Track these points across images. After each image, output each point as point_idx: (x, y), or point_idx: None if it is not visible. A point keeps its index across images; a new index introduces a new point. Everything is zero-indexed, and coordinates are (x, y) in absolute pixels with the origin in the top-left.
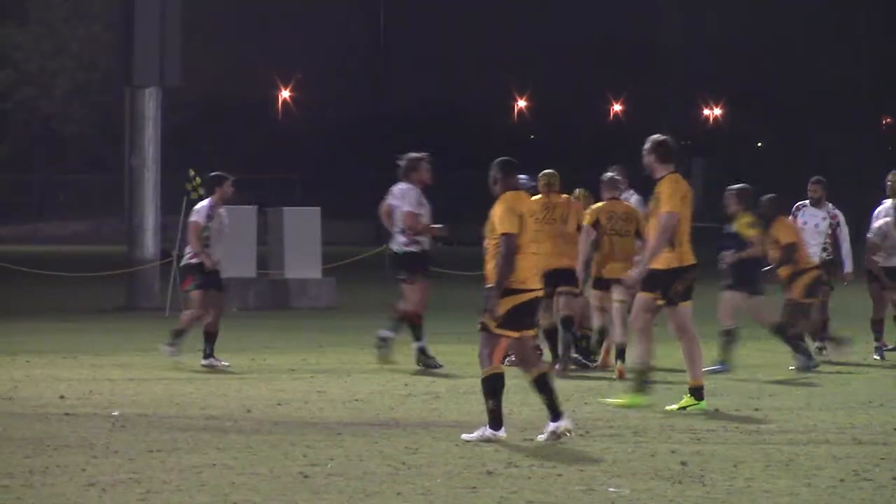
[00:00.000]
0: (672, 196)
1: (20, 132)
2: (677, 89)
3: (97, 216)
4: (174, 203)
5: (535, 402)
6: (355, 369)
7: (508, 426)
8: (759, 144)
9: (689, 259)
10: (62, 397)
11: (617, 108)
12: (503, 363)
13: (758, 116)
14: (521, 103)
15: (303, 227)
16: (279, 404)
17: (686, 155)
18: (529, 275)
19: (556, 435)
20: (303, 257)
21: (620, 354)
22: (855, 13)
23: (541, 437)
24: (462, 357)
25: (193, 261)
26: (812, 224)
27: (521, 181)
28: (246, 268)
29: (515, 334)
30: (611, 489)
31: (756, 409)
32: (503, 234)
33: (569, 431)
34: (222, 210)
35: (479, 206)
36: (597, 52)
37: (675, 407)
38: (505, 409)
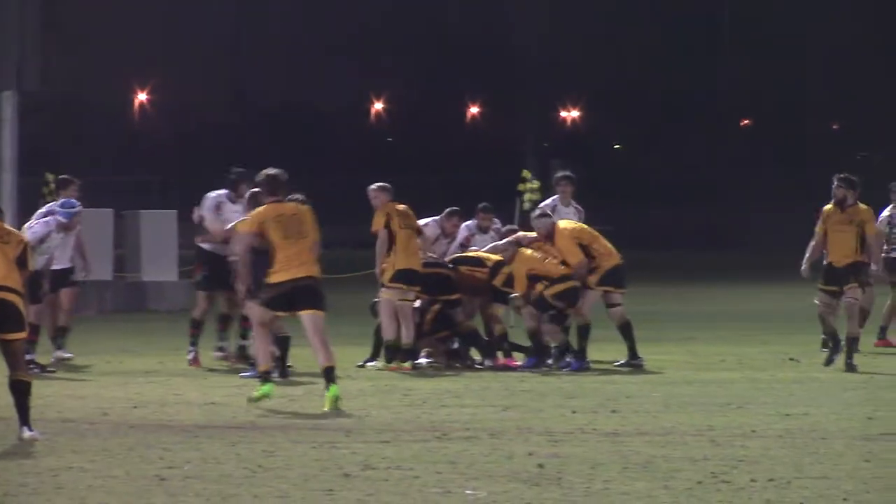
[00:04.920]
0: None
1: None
2: (535, 92)
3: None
4: (32, 208)
5: (394, 404)
6: (212, 372)
7: (365, 429)
8: (617, 146)
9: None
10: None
11: (474, 110)
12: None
13: (614, 119)
14: (378, 105)
15: (159, 230)
16: (135, 407)
17: (544, 157)
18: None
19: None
20: (159, 260)
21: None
22: (717, 15)
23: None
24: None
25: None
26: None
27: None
28: (102, 270)
29: None
30: (468, 491)
31: (613, 411)
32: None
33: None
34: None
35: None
36: (453, 52)
37: None
38: (362, 412)
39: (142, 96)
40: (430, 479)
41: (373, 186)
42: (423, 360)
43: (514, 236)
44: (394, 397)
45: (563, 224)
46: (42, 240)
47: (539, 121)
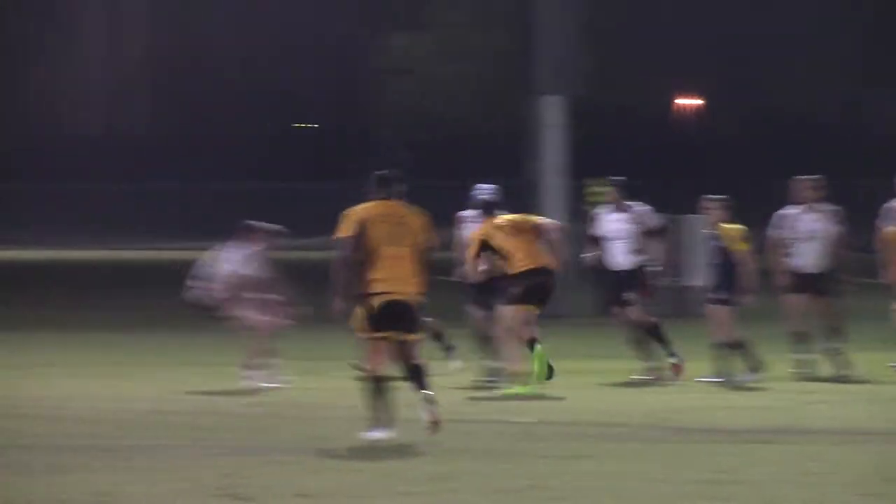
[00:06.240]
0: None
1: (422, 139)
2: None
3: None
4: (581, 212)
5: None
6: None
7: None
8: None
9: None
10: (472, 403)
11: None
12: None
13: None
14: None
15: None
16: (678, 412)
17: None
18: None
19: None
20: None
21: None
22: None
23: None
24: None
25: None
26: None
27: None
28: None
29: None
30: None
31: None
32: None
33: None
34: None
35: None
36: None
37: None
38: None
39: (683, 101)
40: None
41: None
42: None
43: None
44: None
45: None
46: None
47: None
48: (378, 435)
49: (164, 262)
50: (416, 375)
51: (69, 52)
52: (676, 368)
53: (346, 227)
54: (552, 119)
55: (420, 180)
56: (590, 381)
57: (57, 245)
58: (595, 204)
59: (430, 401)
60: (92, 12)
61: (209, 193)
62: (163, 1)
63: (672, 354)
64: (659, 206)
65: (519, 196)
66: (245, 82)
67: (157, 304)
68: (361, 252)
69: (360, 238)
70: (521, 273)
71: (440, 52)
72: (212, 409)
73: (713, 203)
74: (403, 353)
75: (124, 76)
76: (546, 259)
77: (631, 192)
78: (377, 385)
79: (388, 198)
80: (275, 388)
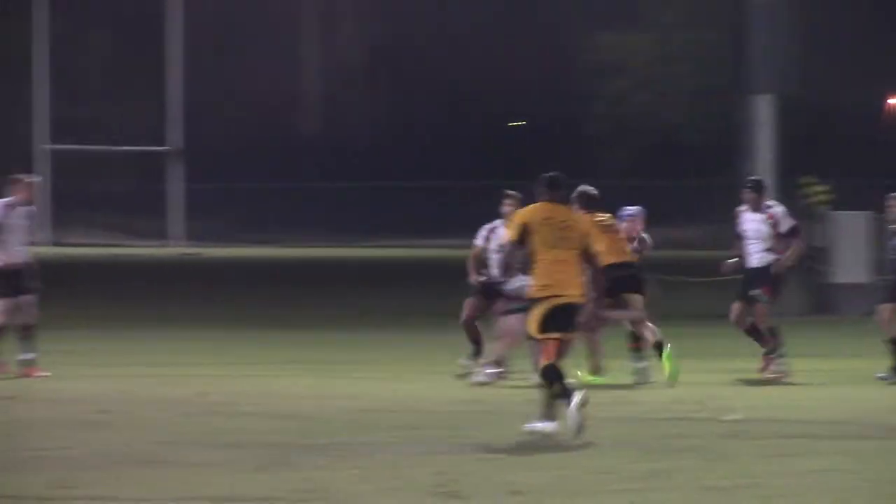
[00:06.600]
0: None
1: (635, 139)
2: None
3: (709, 222)
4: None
5: None
6: None
7: None
8: None
9: None
10: (681, 402)
11: None
12: None
13: None
14: None
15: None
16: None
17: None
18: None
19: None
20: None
21: None
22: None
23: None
24: None
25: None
26: None
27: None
28: (856, 273)
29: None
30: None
31: None
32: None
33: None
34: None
35: None
36: None
37: None
38: None
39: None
40: None
41: None
42: None
43: None
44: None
45: None
46: None
47: None
48: (543, 427)
49: (387, 260)
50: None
51: (286, 53)
52: (779, 374)
53: (511, 232)
54: (763, 117)
55: (632, 179)
56: (795, 379)
57: (293, 243)
58: (816, 202)
59: (578, 404)
60: (306, 13)
61: (424, 192)
62: (378, 1)
63: (780, 356)
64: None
65: (730, 195)
66: (458, 80)
67: (380, 302)
68: (530, 255)
69: (525, 242)
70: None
71: (653, 51)
72: (422, 407)
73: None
74: (561, 353)
75: (341, 76)
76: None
77: (842, 193)
78: (551, 373)
79: (554, 201)
80: (487, 384)
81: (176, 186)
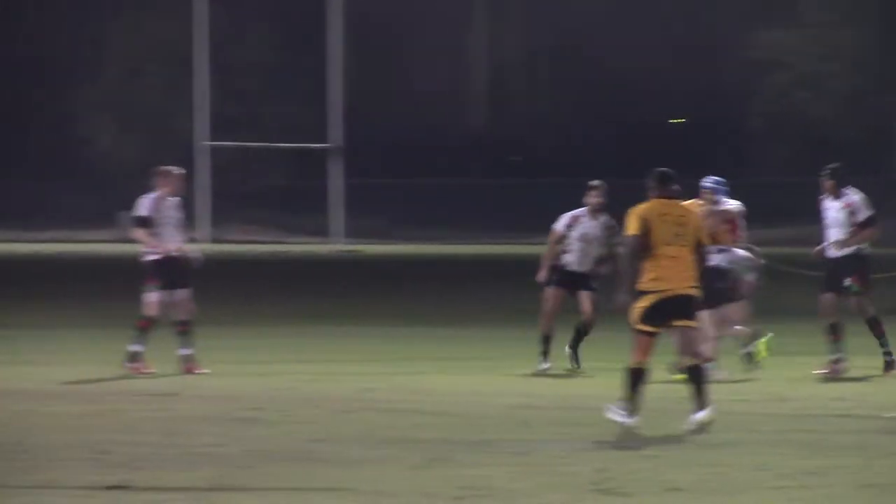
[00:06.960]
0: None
1: (792, 135)
2: None
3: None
4: None
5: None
6: None
7: None
8: None
9: None
10: (840, 399)
11: None
12: None
13: None
14: None
15: None
16: None
17: None
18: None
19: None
20: None
21: None
22: None
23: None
24: None
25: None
26: None
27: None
28: None
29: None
30: None
31: None
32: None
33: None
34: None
35: None
36: None
37: None
38: None
39: None
40: None
41: None
42: None
43: None
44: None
45: None
46: None
47: None
48: (625, 420)
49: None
50: (696, 377)
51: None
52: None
53: (632, 226)
54: None
55: (785, 177)
56: None
57: (454, 240)
58: None
59: (703, 403)
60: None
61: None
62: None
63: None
64: None
65: (880, 192)
66: (619, 79)
67: (510, 297)
68: (645, 250)
69: (645, 236)
70: None
71: (811, 48)
72: (578, 404)
73: None
74: (687, 344)
75: (504, 74)
76: None
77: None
78: (637, 375)
79: (667, 196)
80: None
81: (336, 183)
